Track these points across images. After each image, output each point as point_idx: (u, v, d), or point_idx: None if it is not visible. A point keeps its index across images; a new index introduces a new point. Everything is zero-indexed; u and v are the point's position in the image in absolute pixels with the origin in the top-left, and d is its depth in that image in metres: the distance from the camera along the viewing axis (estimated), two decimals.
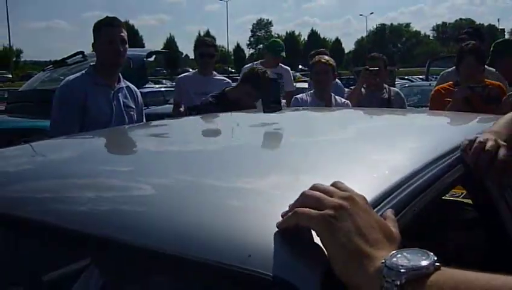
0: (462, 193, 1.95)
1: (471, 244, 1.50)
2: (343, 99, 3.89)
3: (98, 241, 0.72)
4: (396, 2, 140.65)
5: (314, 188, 0.66)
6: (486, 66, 3.59)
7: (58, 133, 2.35)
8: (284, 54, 4.89)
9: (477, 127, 1.34)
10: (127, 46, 2.79)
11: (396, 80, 17.29)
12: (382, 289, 0.54)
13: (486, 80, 3.39)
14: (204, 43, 4.14)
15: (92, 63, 2.91)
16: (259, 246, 0.63)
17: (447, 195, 1.97)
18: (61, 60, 5.84)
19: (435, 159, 0.95)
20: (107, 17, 2.87)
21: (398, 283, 0.53)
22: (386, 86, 4.28)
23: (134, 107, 2.88)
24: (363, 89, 4.13)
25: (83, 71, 2.88)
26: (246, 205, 0.78)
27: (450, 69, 4.08)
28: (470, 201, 1.68)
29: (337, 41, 72.94)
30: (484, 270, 0.52)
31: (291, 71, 5.14)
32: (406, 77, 25.58)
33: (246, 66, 4.24)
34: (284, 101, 4.76)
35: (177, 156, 1.19)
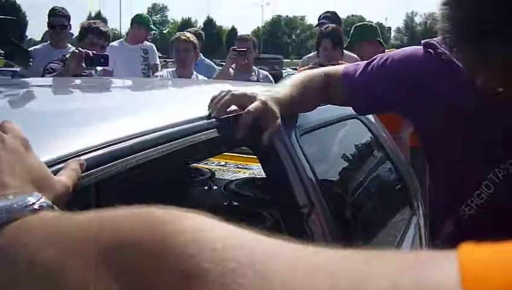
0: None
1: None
2: (207, 79, 3.81)
3: None
4: None
5: None
6: (347, 52, 3.70)
7: None
8: (153, 27, 4.78)
9: None
10: None
11: (288, 69, 17.79)
12: None
13: (343, 62, 3.48)
14: (54, 12, 3.82)
15: None
16: None
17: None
18: None
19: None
20: None
21: None
22: (255, 68, 4.31)
23: None
24: (231, 70, 4.10)
25: None
26: None
27: (311, 54, 4.20)
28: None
29: (233, 30, 73.39)
30: None
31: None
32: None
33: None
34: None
35: None
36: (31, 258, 0.36)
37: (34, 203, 0.45)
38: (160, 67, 4.76)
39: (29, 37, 64.94)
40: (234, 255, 0.27)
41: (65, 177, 0.57)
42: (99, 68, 3.36)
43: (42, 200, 0.46)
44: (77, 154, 0.63)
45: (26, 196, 0.46)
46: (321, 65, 3.39)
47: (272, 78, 4.55)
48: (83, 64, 2.63)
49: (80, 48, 2.74)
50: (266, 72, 4.61)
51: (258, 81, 4.17)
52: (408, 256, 0.24)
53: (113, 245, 0.32)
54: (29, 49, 4.12)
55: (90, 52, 2.68)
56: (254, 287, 0.24)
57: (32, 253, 0.36)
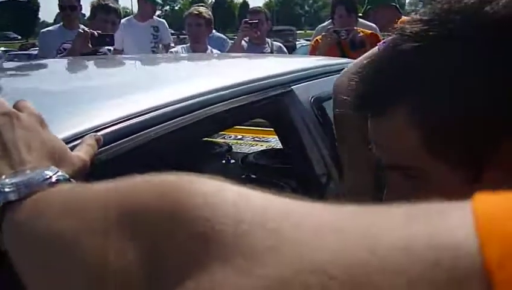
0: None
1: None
2: (220, 53, 3.79)
3: None
4: None
5: None
6: (363, 20, 3.66)
7: None
8: (159, 0, 4.72)
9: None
10: None
11: (302, 40, 17.63)
12: None
13: (359, 29, 3.44)
14: None
15: None
16: None
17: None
18: None
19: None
20: None
21: None
22: (269, 40, 4.28)
23: None
24: (244, 43, 4.08)
25: None
26: None
27: (325, 23, 4.16)
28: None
29: (245, 3, 72.68)
30: None
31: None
32: None
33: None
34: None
35: None
36: (48, 228, 0.37)
37: (51, 177, 0.46)
38: (173, 45, 4.72)
39: (42, 20, 65.17)
40: (246, 216, 0.27)
41: (82, 153, 0.58)
42: (111, 48, 3.36)
43: (59, 173, 0.47)
44: (94, 130, 0.64)
45: (44, 170, 0.47)
46: (335, 31, 3.35)
47: (285, 50, 4.53)
48: (89, 45, 2.64)
49: (85, 29, 2.76)
50: (280, 44, 4.57)
51: (271, 53, 4.15)
52: (419, 206, 0.24)
53: (125, 210, 0.32)
54: (42, 30, 4.13)
55: (95, 32, 2.69)
56: (265, 247, 0.24)
57: (49, 223, 0.37)
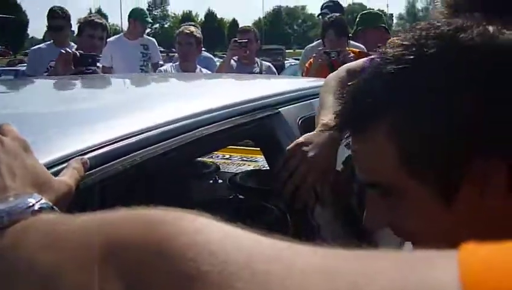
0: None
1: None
2: (210, 73, 3.81)
3: None
4: None
5: None
6: (352, 42, 3.71)
7: None
8: (148, 19, 4.75)
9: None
10: None
11: (290, 59, 17.78)
12: None
13: (350, 49, 3.48)
14: (53, 15, 3.81)
15: None
16: None
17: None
18: None
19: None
20: None
21: None
22: (258, 60, 4.29)
23: None
24: (233, 62, 4.09)
25: None
26: None
27: (314, 44, 4.21)
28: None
29: (234, 22, 73.23)
30: None
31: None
32: None
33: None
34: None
35: None
36: (30, 260, 0.36)
37: (34, 205, 0.45)
38: (163, 62, 4.72)
39: (30, 36, 65.07)
40: (232, 258, 0.27)
41: (67, 177, 0.57)
42: (100, 65, 3.36)
43: (42, 201, 0.47)
44: (80, 154, 0.64)
45: (27, 198, 0.46)
46: (325, 52, 3.40)
47: (274, 69, 4.55)
48: (72, 67, 2.62)
49: (66, 49, 2.74)
50: (269, 64, 4.59)
51: (260, 72, 4.16)
52: (407, 256, 0.24)
53: (112, 247, 0.32)
54: (32, 48, 4.13)
55: (77, 52, 2.67)
56: None
57: (31, 256, 0.37)
